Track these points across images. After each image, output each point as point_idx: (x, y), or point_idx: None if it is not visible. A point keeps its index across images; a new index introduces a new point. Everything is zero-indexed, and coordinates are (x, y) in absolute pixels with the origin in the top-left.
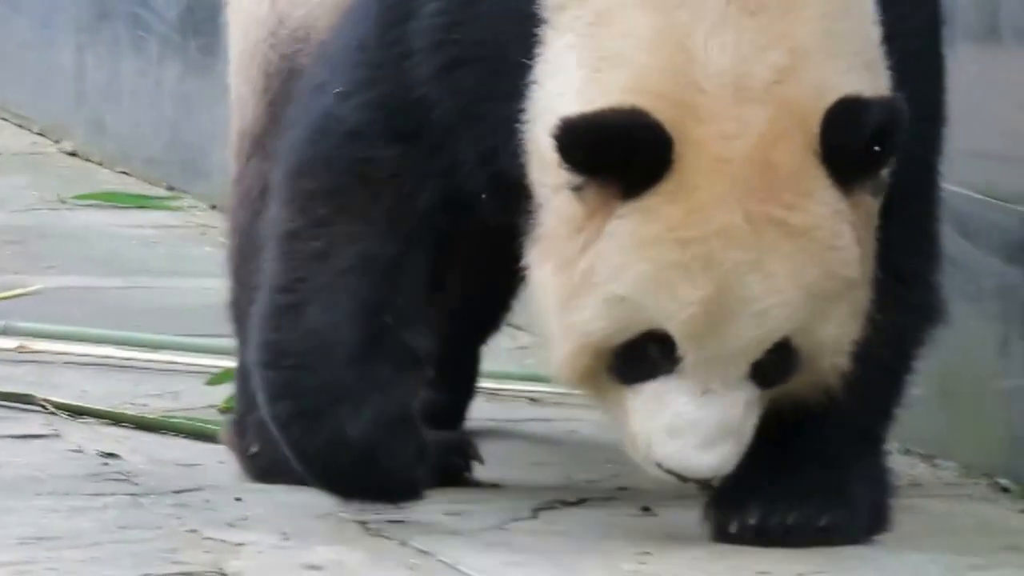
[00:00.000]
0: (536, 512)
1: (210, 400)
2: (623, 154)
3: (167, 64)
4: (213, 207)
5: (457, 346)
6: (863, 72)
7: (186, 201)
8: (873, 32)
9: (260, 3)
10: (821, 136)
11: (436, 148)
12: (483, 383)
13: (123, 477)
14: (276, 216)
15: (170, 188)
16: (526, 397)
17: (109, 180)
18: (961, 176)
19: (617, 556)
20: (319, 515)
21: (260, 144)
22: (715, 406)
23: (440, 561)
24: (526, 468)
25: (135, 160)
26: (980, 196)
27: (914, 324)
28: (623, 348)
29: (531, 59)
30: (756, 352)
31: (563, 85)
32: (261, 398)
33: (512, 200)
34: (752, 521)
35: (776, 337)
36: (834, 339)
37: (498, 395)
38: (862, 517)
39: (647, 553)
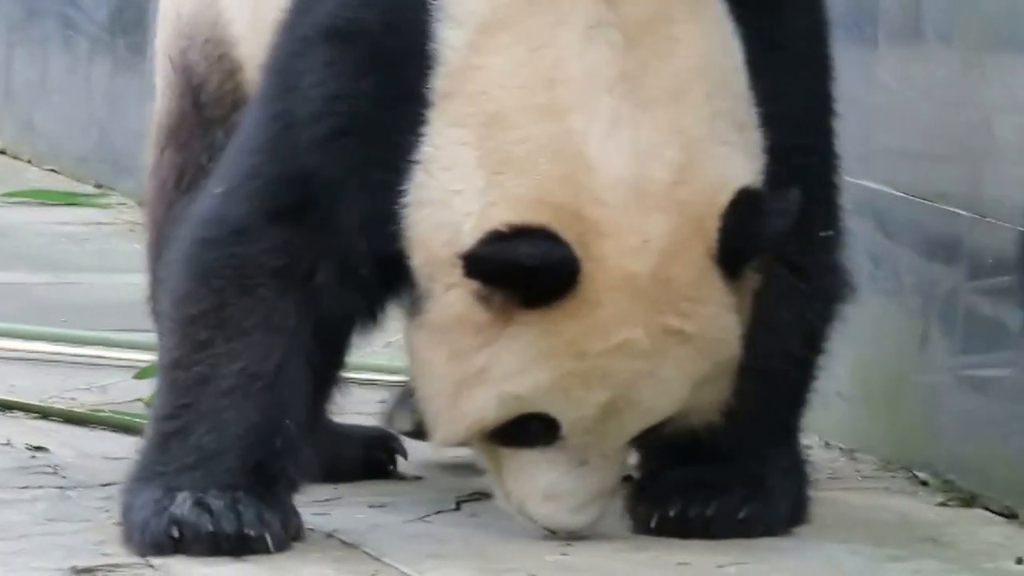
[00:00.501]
0: (459, 504)
1: (137, 394)
2: (531, 274)
3: (96, 62)
4: (141, 204)
5: None
6: (743, 149)
7: (114, 198)
8: (743, 91)
9: None
10: (719, 243)
11: (323, 223)
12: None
13: (52, 470)
14: (163, 346)
15: (98, 186)
16: (366, 382)
17: (38, 178)
18: (883, 174)
19: (540, 547)
20: None
21: (173, 135)
22: (591, 476)
23: (365, 553)
24: (448, 461)
25: (64, 158)
26: (901, 194)
27: (817, 312)
28: (506, 424)
29: (415, 140)
30: (638, 433)
31: (460, 182)
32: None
33: (392, 278)
34: (672, 513)
35: (660, 419)
36: (711, 405)
37: None
38: (781, 509)
39: (569, 544)
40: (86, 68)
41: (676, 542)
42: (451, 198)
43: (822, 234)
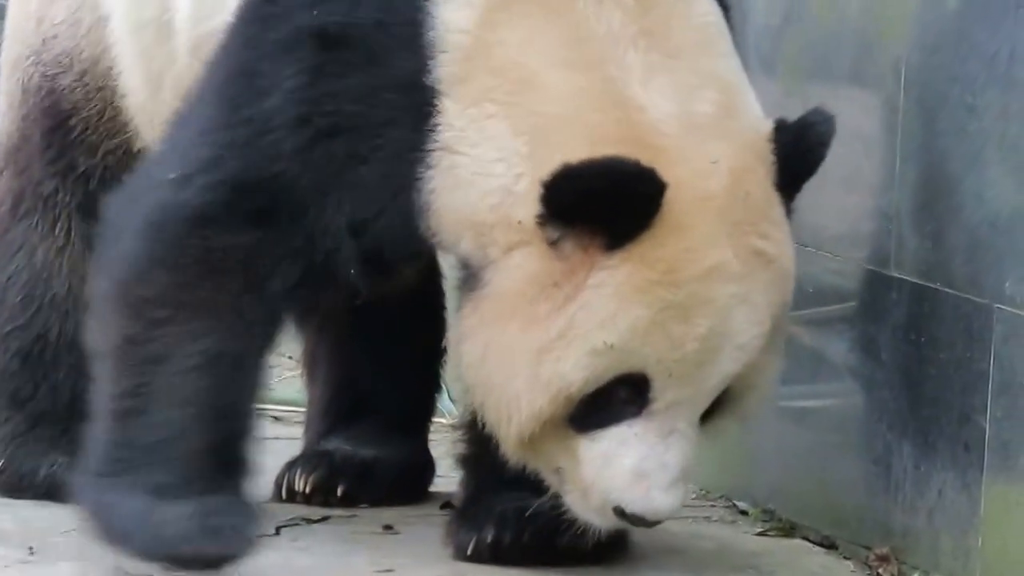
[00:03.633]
0: (279, 529)
1: None
2: (618, 202)
3: None
4: None
5: None
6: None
7: None
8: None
9: (27, 21)
10: (777, 166)
11: (294, 225)
12: None
13: None
14: (109, 326)
15: None
16: (271, 416)
17: None
18: None
19: (359, 572)
20: (64, 531)
21: (11, 158)
22: (680, 446)
23: None
24: (269, 485)
25: None
26: None
27: None
28: (591, 395)
29: (425, 129)
30: (722, 388)
31: (496, 151)
32: (98, 481)
33: (387, 270)
34: (488, 540)
35: (742, 369)
36: (767, 375)
37: None
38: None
39: (390, 571)
40: None
41: (495, 568)
42: (490, 167)
43: None
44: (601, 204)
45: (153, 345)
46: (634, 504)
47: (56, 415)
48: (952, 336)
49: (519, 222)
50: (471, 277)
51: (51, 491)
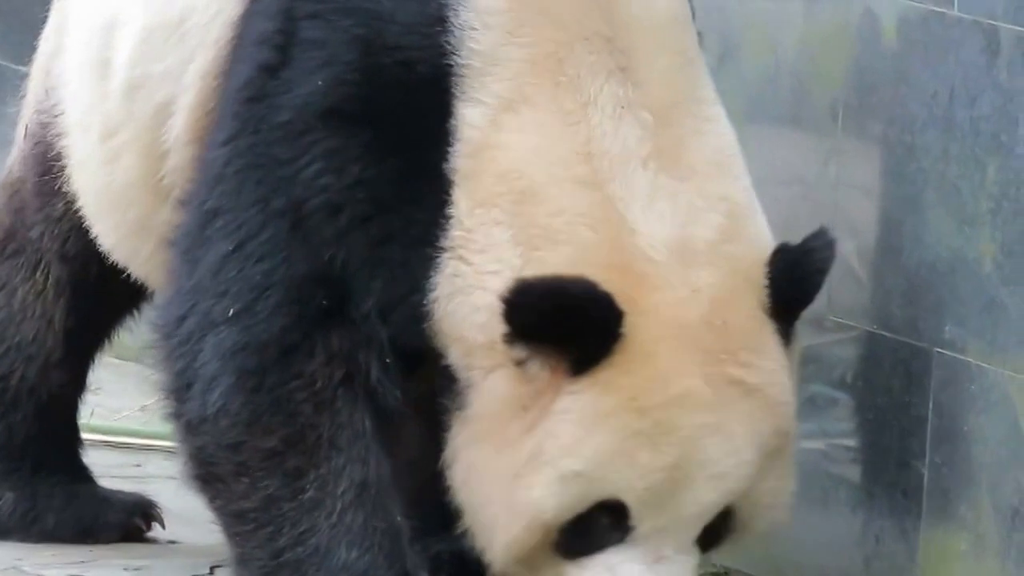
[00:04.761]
0: (213, 569)
1: None
2: (576, 322)
3: None
4: None
5: None
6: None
7: None
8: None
9: (39, 72)
10: (770, 293)
11: (358, 314)
12: (165, 442)
13: None
14: (238, 491)
15: None
16: None
17: None
18: None
19: None
20: (2, 568)
21: (10, 195)
22: (670, 572)
23: None
24: (203, 525)
25: None
26: None
27: None
28: (572, 522)
29: (440, 219)
30: (711, 515)
31: (495, 263)
32: None
33: (412, 367)
34: None
35: (731, 498)
36: (773, 495)
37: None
38: None
39: None
40: None
41: None
42: (486, 280)
43: None
44: (559, 325)
45: (304, 495)
46: None
47: (9, 452)
48: (891, 381)
49: (496, 342)
50: (459, 395)
51: None
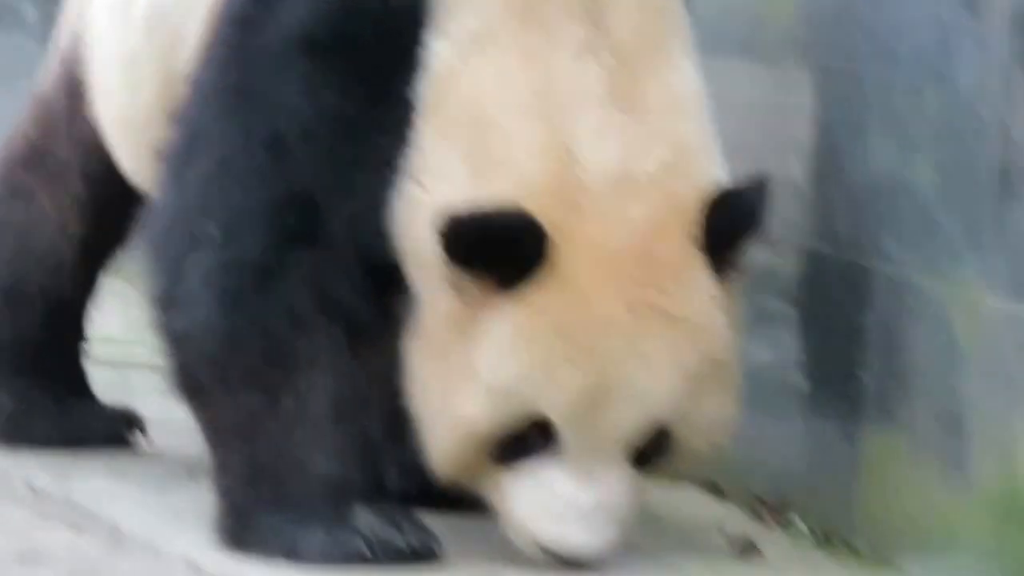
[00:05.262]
0: (191, 474)
1: None
2: (501, 248)
3: None
4: None
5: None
6: (720, 160)
7: None
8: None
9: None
10: (702, 226)
11: (330, 237)
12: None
13: None
14: (223, 405)
15: None
16: None
17: None
18: None
19: None
20: None
21: (42, 111)
22: (595, 489)
23: (102, 520)
24: (185, 434)
25: None
26: None
27: None
28: (505, 437)
29: (402, 144)
30: (635, 436)
31: (446, 186)
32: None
33: (380, 281)
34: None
35: (654, 421)
36: (711, 419)
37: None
38: None
39: None
40: None
41: None
42: (437, 203)
43: None
44: (486, 251)
45: (282, 408)
46: (552, 543)
47: (16, 353)
48: (835, 295)
49: (438, 262)
50: (413, 311)
51: None
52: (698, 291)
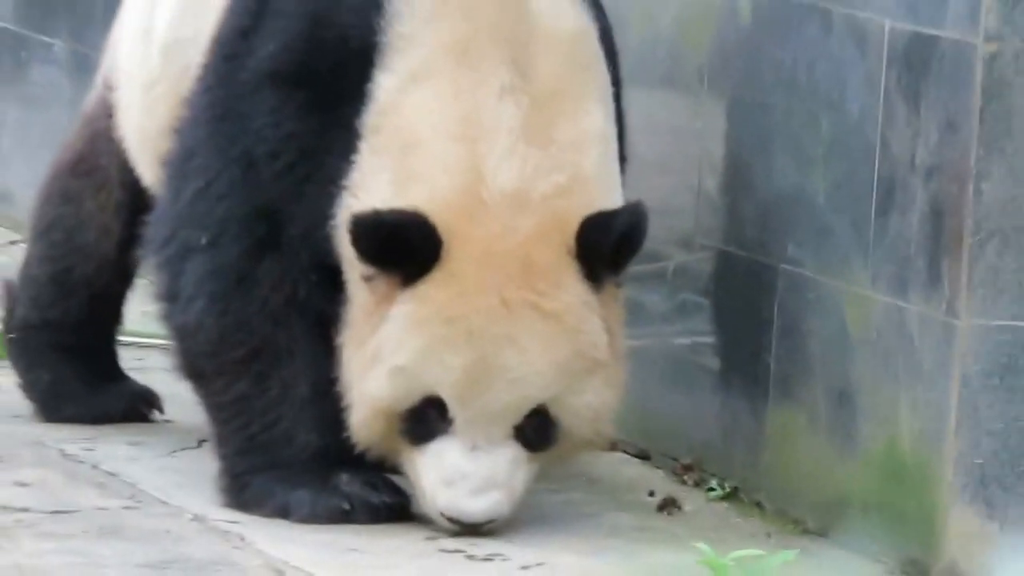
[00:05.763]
0: (200, 443)
1: None
2: (401, 247)
3: None
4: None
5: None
6: (617, 198)
7: None
8: (617, 166)
9: (113, 34)
10: (576, 238)
11: (290, 243)
12: (161, 341)
13: None
14: (214, 389)
15: None
16: None
17: None
18: None
19: None
20: (26, 443)
21: (88, 125)
22: (481, 460)
23: (123, 481)
24: (193, 407)
25: None
26: None
27: None
28: (408, 413)
29: (346, 163)
30: (515, 415)
31: (374, 198)
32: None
33: (325, 285)
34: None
35: (531, 403)
36: (591, 408)
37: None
38: None
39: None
40: None
41: None
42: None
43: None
44: (387, 249)
45: (270, 392)
46: (447, 509)
47: (61, 330)
48: (744, 290)
49: (355, 257)
50: (346, 305)
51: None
52: (570, 294)
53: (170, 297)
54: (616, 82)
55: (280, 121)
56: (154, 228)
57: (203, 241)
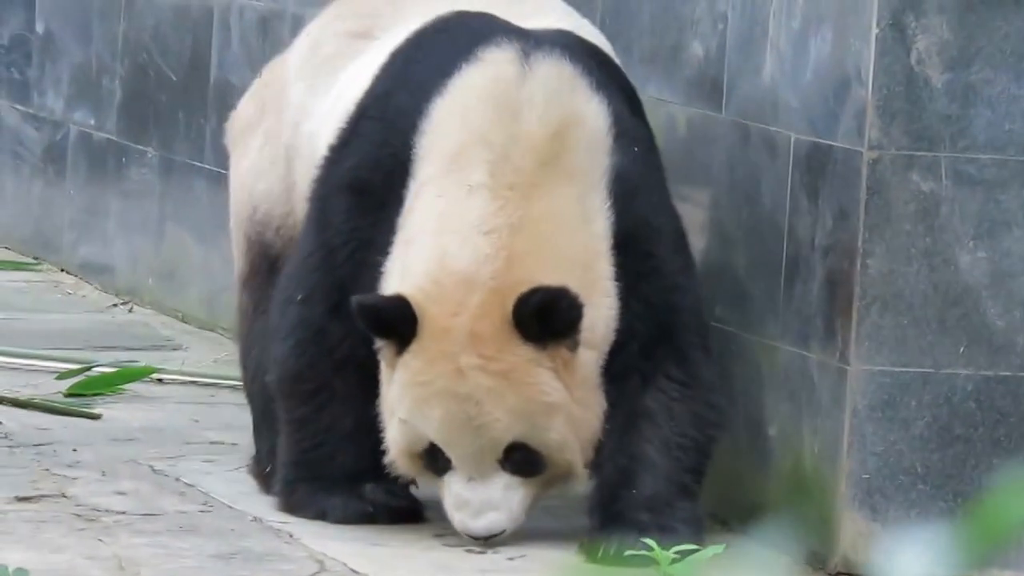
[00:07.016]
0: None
1: (58, 389)
2: (387, 326)
3: (34, 181)
4: (62, 270)
5: None
6: (576, 270)
7: (45, 266)
8: (599, 241)
9: (242, 190)
10: (514, 311)
11: (350, 312)
12: (230, 381)
13: (3, 435)
14: (284, 408)
15: (35, 258)
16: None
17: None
18: None
19: None
20: (124, 461)
21: (245, 284)
22: (477, 489)
23: (200, 491)
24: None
25: (12, 239)
26: None
27: (707, 411)
28: (423, 453)
29: (385, 254)
30: (492, 453)
31: (391, 280)
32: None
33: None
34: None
35: (500, 443)
36: (558, 443)
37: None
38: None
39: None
40: (28, 184)
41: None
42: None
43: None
44: (379, 327)
45: (324, 419)
46: (458, 527)
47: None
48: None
49: None
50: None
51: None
52: (515, 355)
53: (273, 331)
54: (638, 138)
55: (349, 219)
56: (279, 280)
57: (298, 297)
